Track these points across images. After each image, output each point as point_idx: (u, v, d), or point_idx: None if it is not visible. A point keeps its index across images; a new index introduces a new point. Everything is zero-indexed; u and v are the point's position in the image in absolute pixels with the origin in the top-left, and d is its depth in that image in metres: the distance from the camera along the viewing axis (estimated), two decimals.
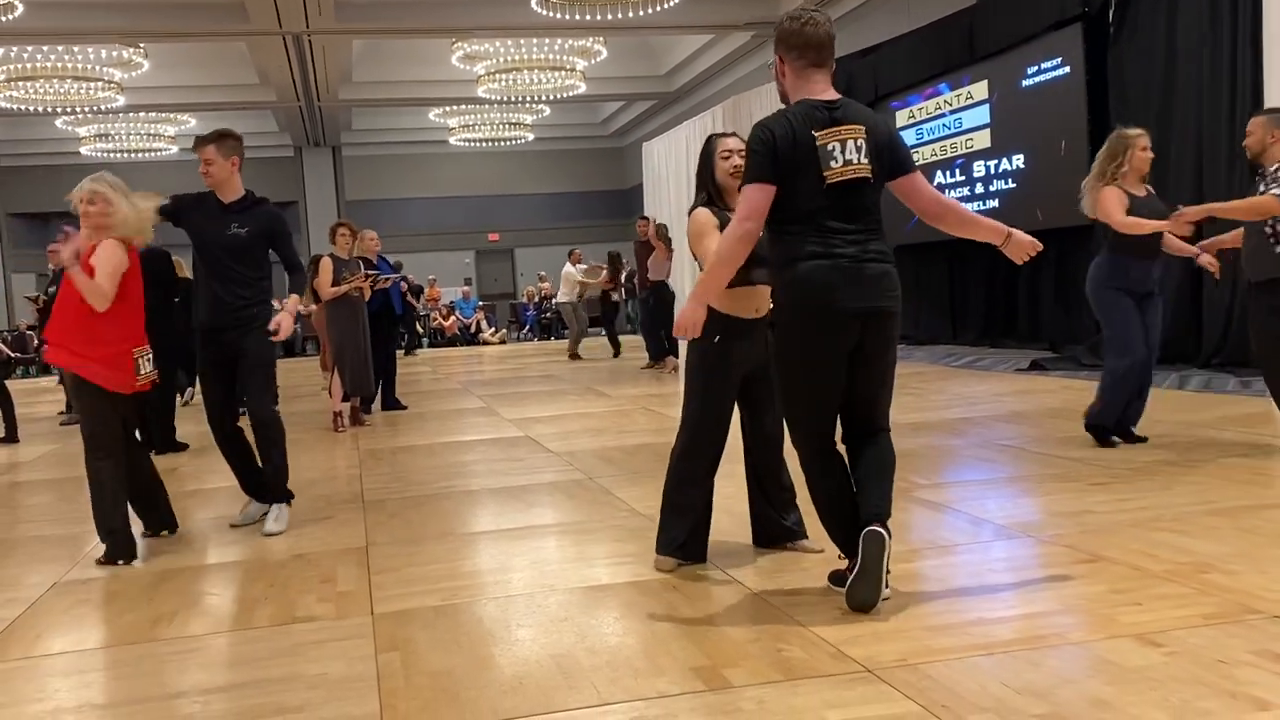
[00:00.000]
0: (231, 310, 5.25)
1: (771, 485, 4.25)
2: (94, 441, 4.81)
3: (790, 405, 3.67)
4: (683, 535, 4.10)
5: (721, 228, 3.87)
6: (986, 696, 2.72)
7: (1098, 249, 6.43)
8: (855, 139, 3.47)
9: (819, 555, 4.05)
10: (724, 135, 4.18)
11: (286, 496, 5.41)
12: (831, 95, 3.55)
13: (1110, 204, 5.82)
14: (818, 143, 3.43)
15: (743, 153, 3.90)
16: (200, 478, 7.03)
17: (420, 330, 23.97)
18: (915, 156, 16.04)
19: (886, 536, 3.37)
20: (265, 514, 5.32)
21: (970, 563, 4.07)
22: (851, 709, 2.70)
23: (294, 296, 5.41)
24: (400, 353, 20.50)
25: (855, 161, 3.45)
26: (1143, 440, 6.08)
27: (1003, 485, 5.48)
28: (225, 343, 5.29)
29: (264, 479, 5.41)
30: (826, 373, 3.52)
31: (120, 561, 4.69)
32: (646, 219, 15.24)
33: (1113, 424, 6.07)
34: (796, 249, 3.46)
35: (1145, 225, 5.75)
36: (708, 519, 4.18)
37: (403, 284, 15.55)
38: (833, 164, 3.43)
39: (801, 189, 3.44)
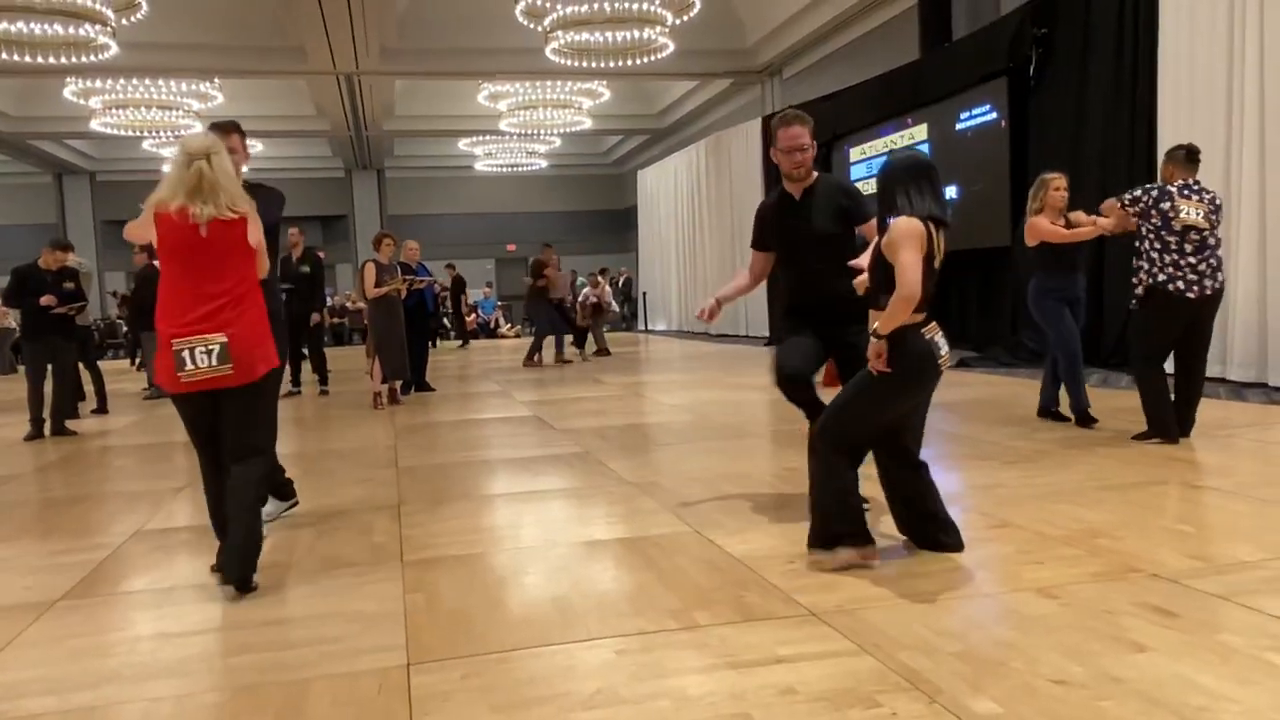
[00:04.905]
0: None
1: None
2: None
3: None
4: None
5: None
6: (911, 637, 2.74)
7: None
8: None
9: (796, 524, 4.08)
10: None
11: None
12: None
13: (1041, 224, 6.08)
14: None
15: None
16: None
17: (448, 324, 23.74)
18: (865, 188, 16.32)
19: None
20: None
21: None
22: (798, 646, 2.72)
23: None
24: (458, 344, 20.50)
25: None
26: (1063, 419, 6.33)
27: (931, 462, 5.41)
28: None
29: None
30: None
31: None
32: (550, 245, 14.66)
33: (1082, 405, 6.18)
34: None
35: (1060, 233, 6.02)
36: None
37: (436, 285, 15.54)
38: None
39: None
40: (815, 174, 4.18)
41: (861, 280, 3.59)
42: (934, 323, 3.33)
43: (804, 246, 4.11)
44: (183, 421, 3.65)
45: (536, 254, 14.25)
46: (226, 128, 4.17)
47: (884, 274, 3.30)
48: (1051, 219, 6.09)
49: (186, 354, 3.41)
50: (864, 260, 3.63)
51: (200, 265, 3.47)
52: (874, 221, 3.88)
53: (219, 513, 3.63)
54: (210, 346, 3.42)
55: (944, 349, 3.34)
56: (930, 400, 3.49)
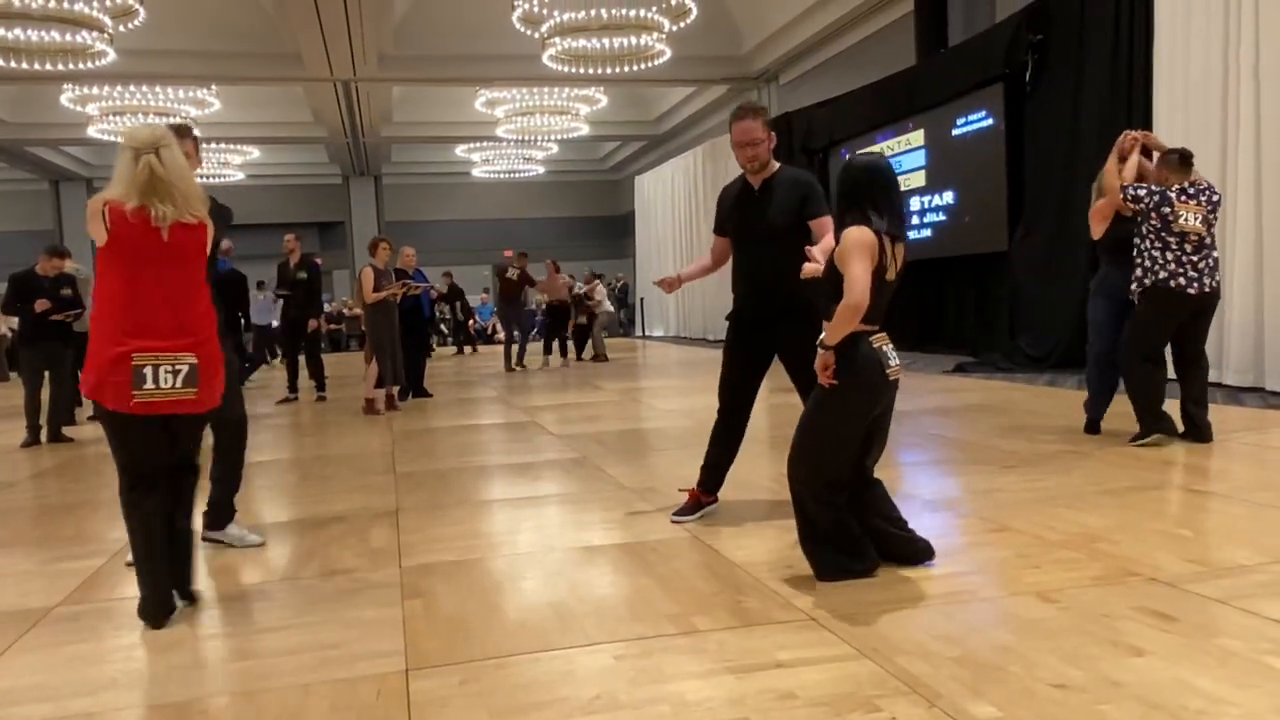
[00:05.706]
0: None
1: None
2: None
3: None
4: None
5: None
6: (910, 642, 2.73)
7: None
8: None
9: (794, 528, 4.07)
10: None
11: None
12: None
13: (1098, 205, 5.87)
14: None
15: None
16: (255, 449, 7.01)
17: (446, 331, 23.75)
18: None
19: None
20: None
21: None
22: (798, 651, 2.72)
23: None
24: (454, 350, 20.54)
25: None
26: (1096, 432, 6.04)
27: (930, 467, 5.50)
28: None
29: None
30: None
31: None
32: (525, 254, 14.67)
33: (1097, 415, 6.05)
34: None
35: (1105, 201, 5.75)
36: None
37: (433, 291, 15.60)
38: None
39: None
40: (776, 165, 4.19)
41: (809, 268, 3.52)
42: (884, 333, 3.32)
43: (757, 237, 4.13)
44: (123, 447, 3.15)
45: (520, 261, 14.16)
46: (179, 131, 3.64)
47: (835, 284, 3.25)
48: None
49: (149, 370, 3.04)
50: (816, 250, 3.62)
51: (165, 274, 3.09)
52: (826, 219, 3.93)
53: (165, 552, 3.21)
54: (179, 366, 3.07)
55: (893, 360, 3.31)
56: (890, 419, 3.46)
